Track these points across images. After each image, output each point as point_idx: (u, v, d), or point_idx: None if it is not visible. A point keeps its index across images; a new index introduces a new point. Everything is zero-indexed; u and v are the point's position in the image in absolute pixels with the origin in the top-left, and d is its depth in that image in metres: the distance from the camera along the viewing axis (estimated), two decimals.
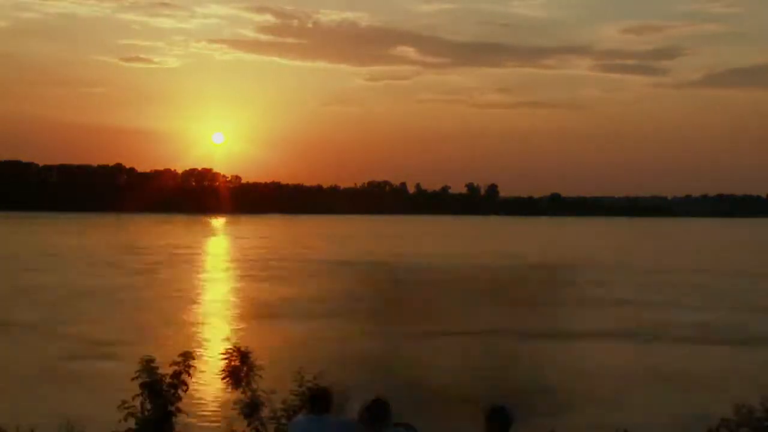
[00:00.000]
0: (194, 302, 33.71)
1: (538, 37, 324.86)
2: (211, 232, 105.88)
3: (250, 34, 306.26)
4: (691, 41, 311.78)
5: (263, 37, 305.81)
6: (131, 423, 7.88)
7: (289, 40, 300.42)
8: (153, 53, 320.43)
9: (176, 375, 8.19)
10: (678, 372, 20.44)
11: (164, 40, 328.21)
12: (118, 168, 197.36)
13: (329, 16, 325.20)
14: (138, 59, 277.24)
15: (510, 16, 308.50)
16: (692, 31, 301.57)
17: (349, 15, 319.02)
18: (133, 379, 7.98)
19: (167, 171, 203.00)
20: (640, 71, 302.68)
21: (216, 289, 39.20)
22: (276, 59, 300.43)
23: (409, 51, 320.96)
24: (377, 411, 6.83)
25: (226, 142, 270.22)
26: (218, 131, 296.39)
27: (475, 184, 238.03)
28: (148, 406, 7.99)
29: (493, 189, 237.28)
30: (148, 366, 8.08)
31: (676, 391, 17.89)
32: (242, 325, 27.37)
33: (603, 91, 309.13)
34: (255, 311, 30.56)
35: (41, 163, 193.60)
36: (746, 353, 23.80)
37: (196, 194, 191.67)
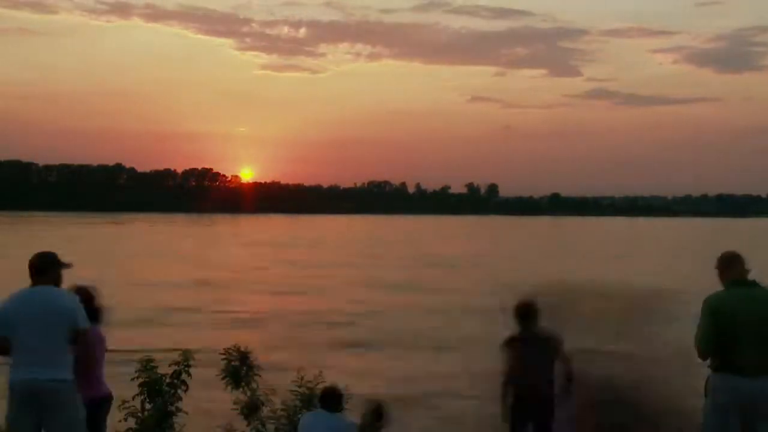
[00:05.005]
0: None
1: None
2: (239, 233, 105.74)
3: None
4: None
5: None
6: (131, 423, 7.87)
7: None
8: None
9: (176, 375, 8.18)
10: None
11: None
12: (119, 168, 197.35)
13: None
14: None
15: None
16: None
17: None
18: (132, 378, 7.96)
19: (167, 171, 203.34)
20: None
21: None
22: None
23: None
24: (378, 411, 6.86)
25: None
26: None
27: (475, 184, 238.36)
28: (148, 406, 7.98)
29: (493, 189, 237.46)
30: (147, 366, 8.07)
31: None
32: None
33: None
34: None
35: (41, 163, 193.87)
36: None
37: (196, 194, 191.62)
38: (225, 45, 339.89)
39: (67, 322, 5.74)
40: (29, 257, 5.97)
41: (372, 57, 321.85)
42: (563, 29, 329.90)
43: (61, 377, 5.73)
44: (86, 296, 6.29)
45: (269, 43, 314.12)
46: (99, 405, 6.34)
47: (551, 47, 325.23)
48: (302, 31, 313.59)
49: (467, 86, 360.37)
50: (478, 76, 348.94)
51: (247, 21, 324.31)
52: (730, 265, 5.94)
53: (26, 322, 5.73)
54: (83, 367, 5.99)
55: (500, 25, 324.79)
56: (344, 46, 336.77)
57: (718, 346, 5.79)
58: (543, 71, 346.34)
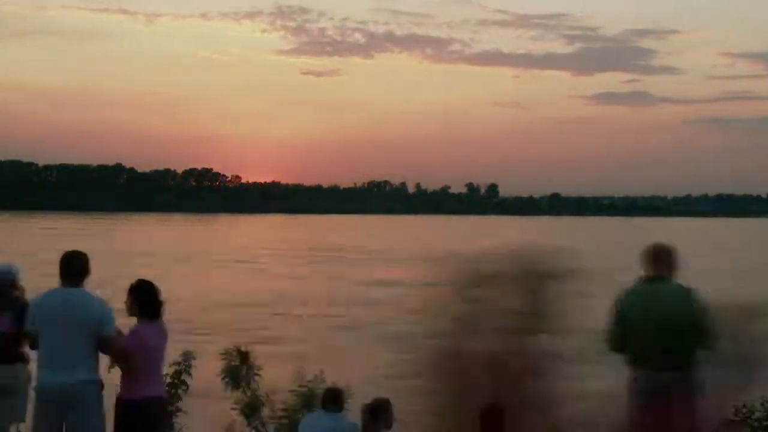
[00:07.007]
0: None
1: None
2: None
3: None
4: None
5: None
6: None
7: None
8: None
9: (176, 375, 8.20)
10: None
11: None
12: (119, 168, 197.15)
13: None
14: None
15: None
16: None
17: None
18: None
19: (167, 171, 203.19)
20: None
21: None
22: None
23: None
24: (377, 410, 6.87)
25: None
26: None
27: (475, 184, 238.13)
28: None
29: (493, 189, 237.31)
30: None
31: None
32: None
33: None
34: None
35: (41, 163, 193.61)
36: None
37: (196, 194, 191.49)
38: (227, 43, 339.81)
39: (93, 329, 5.62)
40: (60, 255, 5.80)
41: (384, 57, 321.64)
42: (577, 28, 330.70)
43: (85, 379, 5.66)
44: (152, 291, 5.97)
45: (273, 43, 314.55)
46: (141, 407, 5.81)
47: (566, 48, 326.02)
48: (309, 28, 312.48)
49: (480, 87, 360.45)
50: (494, 77, 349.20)
51: (251, 17, 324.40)
52: (649, 259, 5.85)
53: (51, 324, 5.63)
54: (127, 368, 5.83)
55: (511, 25, 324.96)
56: (354, 46, 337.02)
57: (625, 341, 5.77)
58: (556, 72, 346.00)
